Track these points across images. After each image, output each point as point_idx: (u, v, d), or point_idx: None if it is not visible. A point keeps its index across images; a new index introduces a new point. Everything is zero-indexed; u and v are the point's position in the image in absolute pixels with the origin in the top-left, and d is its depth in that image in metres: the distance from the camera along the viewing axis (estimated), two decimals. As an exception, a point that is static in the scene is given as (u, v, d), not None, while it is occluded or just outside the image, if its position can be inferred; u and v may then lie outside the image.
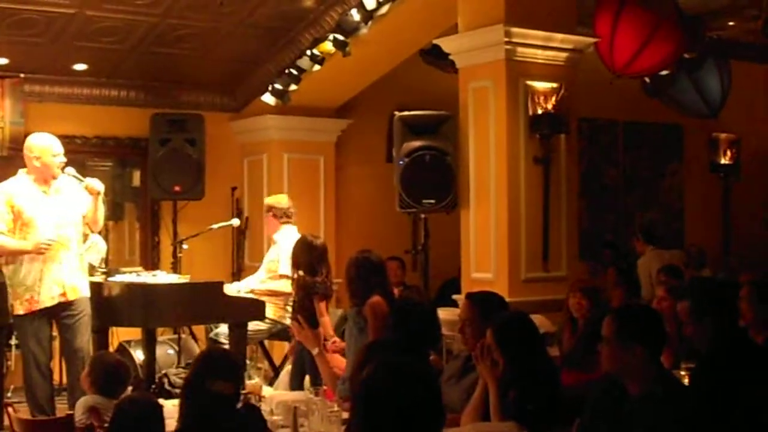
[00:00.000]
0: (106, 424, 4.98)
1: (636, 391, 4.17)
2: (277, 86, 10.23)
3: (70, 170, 7.62)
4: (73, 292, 7.40)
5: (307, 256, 7.74)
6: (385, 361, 3.10)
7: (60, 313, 7.36)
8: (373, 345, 4.83)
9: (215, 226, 9.46)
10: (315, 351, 6.19)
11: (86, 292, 7.52)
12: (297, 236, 8.75)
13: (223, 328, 8.44)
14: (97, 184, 7.57)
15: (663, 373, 4.30)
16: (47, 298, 7.29)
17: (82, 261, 7.62)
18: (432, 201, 8.48)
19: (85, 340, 7.45)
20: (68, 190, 7.57)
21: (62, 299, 7.34)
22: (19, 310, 7.25)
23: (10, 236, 7.26)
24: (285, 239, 8.84)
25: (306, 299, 7.53)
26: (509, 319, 5.08)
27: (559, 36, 8.29)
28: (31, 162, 7.44)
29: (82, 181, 7.59)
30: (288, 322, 8.57)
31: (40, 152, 7.43)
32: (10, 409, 5.46)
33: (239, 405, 4.38)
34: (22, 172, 7.51)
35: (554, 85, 8.27)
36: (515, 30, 8.03)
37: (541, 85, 8.22)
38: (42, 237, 7.27)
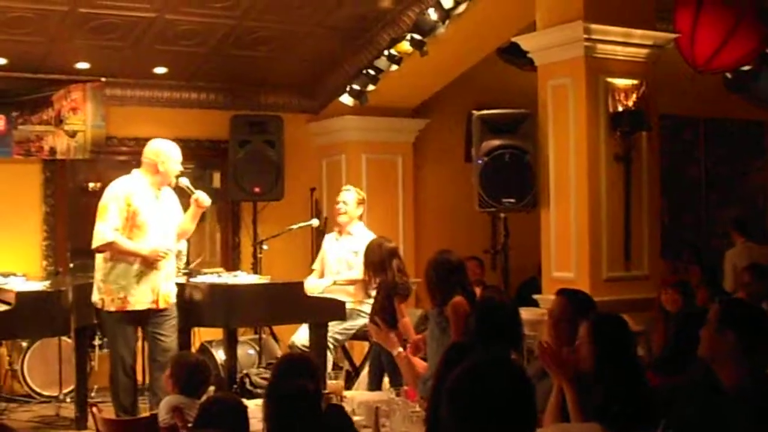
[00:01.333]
0: (189, 424, 5.02)
1: (728, 383, 4.10)
2: (355, 87, 10.24)
3: (184, 180, 7.64)
4: (164, 301, 7.44)
5: (377, 255, 7.71)
6: (477, 360, 3.04)
7: (149, 317, 7.41)
8: (456, 346, 4.79)
9: (295, 226, 9.50)
10: (395, 352, 6.18)
11: (174, 299, 7.59)
12: (369, 232, 8.84)
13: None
14: (206, 199, 7.62)
15: (758, 370, 4.22)
16: (139, 302, 7.32)
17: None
18: (512, 200, 8.44)
19: (173, 340, 7.51)
20: (170, 199, 7.63)
21: (153, 306, 7.37)
22: (111, 306, 7.29)
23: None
24: (361, 233, 8.96)
25: (386, 300, 7.52)
26: (608, 316, 5.02)
27: (639, 32, 8.18)
28: (154, 166, 7.44)
29: (193, 192, 7.61)
30: (361, 321, 8.59)
31: (166, 157, 7.47)
32: (94, 409, 5.51)
33: (323, 405, 4.39)
34: (138, 172, 7.51)
35: (634, 81, 8.18)
36: (594, 27, 7.95)
37: (621, 82, 8.13)
38: (158, 244, 7.34)
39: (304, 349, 8.56)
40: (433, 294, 6.63)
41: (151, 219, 7.35)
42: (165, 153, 7.49)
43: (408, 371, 6.04)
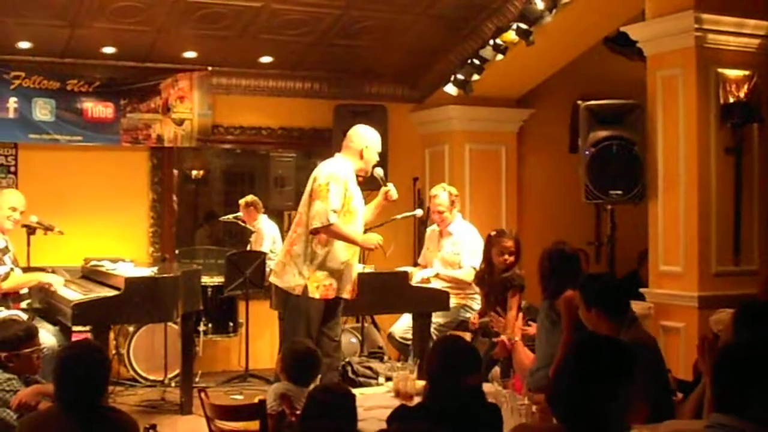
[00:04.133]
0: (297, 412, 5.03)
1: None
2: (459, 76, 10.19)
3: (379, 171, 7.55)
4: (356, 291, 7.41)
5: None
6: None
7: (336, 307, 7.36)
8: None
9: (398, 216, 9.47)
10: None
11: None
12: (468, 225, 8.82)
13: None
14: (396, 194, 7.52)
15: None
16: (344, 291, 7.26)
17: None
18: (619, 192, 8.32)
19: None
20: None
21: (349, 296, 7.34)
22: (315, 293, 7.12)
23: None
24: (461, 229, 8.93)
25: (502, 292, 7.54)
26: (755, 302, 4.90)
27: (752, 22, 8.01)
28: (359, 152, 7.33)
29: (386, 185, 7.53)
30: (468, 314, 8.60)
31: (371, 145, 7.39)
32: (202, 394, 5.54)
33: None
34: (342, 157, 7.38)
35: (746, 72, 8.02)
36: (706, 16, 7.80)
37: (732, 73, 7.97)
38: (373, 236, 7.38)
39: (402, 341, 8.59)
40: (545, 284, 6.52)
41: (359, 205, 7.30)
42: (370, 140, 7.40)
43: (519, 360, 5.98)
